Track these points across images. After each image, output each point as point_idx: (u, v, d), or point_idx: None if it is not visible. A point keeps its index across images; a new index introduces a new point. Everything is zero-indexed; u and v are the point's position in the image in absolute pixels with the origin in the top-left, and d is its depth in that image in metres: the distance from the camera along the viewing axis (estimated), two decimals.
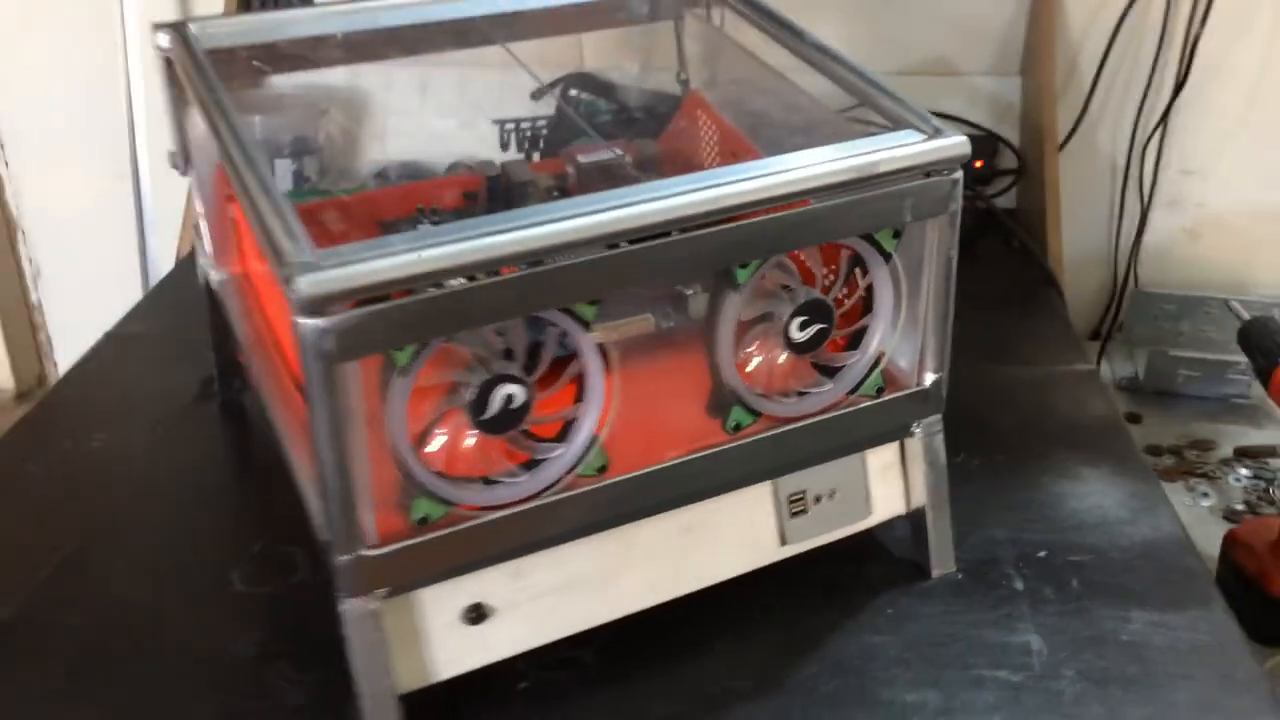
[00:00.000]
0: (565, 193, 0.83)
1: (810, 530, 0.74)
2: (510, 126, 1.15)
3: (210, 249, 0.78)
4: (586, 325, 0.60)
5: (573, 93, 1.32)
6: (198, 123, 0.75)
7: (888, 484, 0.76)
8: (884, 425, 0.73)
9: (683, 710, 0.67)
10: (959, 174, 0.67)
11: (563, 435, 0.63)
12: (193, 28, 0.72)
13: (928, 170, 0.66)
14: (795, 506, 0.73)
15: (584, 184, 0.83)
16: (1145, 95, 1.41)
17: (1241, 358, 1.30)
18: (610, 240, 0.57)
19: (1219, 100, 1.40)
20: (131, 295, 1.30)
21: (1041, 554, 0.80)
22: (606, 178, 0.83)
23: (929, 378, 0.72)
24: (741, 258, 0.63)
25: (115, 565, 0.79)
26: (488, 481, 0.62)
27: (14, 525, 0.84)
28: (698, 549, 0.70)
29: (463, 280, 0.55)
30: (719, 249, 0.62)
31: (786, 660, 0.71)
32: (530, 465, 0.63)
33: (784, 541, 0.73)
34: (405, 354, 0.56)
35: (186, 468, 0.90)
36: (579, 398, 0.63)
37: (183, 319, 1.13)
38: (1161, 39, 1.37)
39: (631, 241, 0.58)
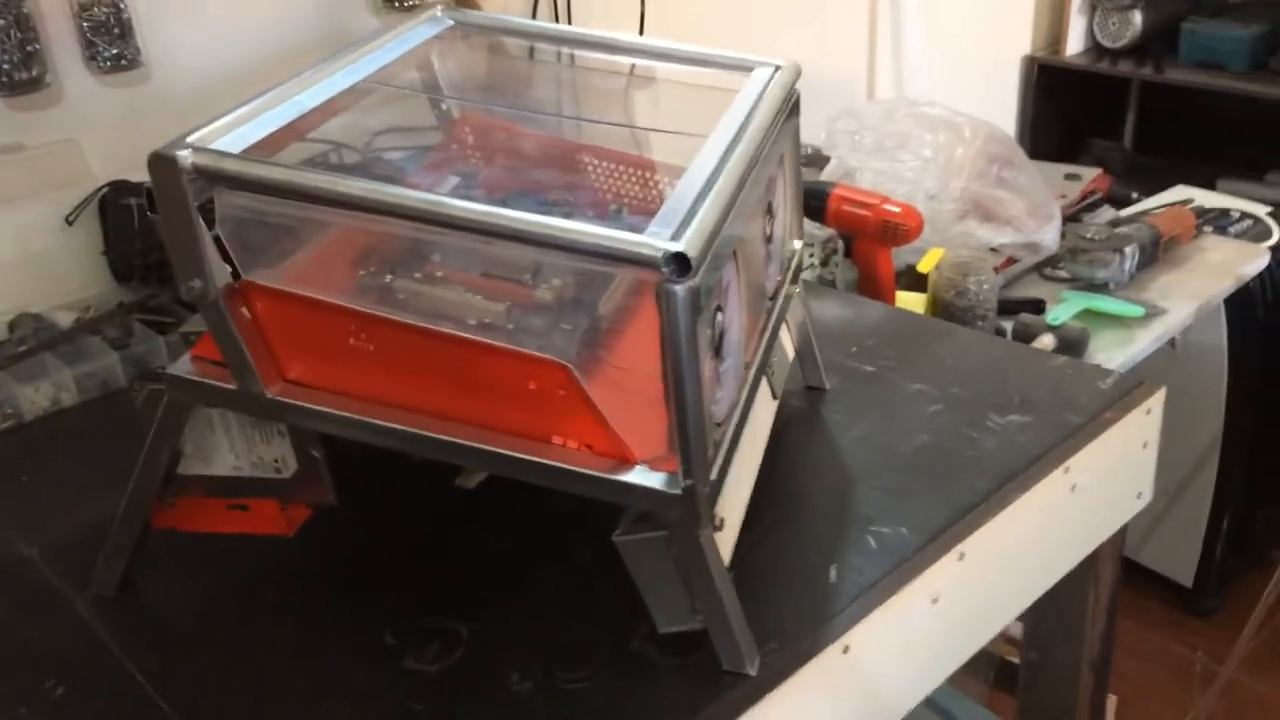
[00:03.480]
0: None
1: (779, 381, 0.96)
2: None
3: (256, 368, 0.72)
4: (734, 252, 0.77)
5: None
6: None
7: (786, 334, 1.01)
8: (788, 288, 0.98)
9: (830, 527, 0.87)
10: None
11: (718, 349, 0.78)
12: (196, 141, 0.68)
13: (792, 88, 0.91)
14: (770, 369, 0.95)
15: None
16: None
17: None
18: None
19: None
20: None
21: (853, 349, 1.11)
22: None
23: (797, 244, 0.99)
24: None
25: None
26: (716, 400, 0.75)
27: None
28: (758, 421, 0.89)
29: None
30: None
31: (829, 464, 0.94)
32: (719, 380, 0.77)
33: (775, 396, 0.95)
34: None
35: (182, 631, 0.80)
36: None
37: None
38: None
39: None
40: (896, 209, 1.34)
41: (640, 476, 0.70)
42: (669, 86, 1.03)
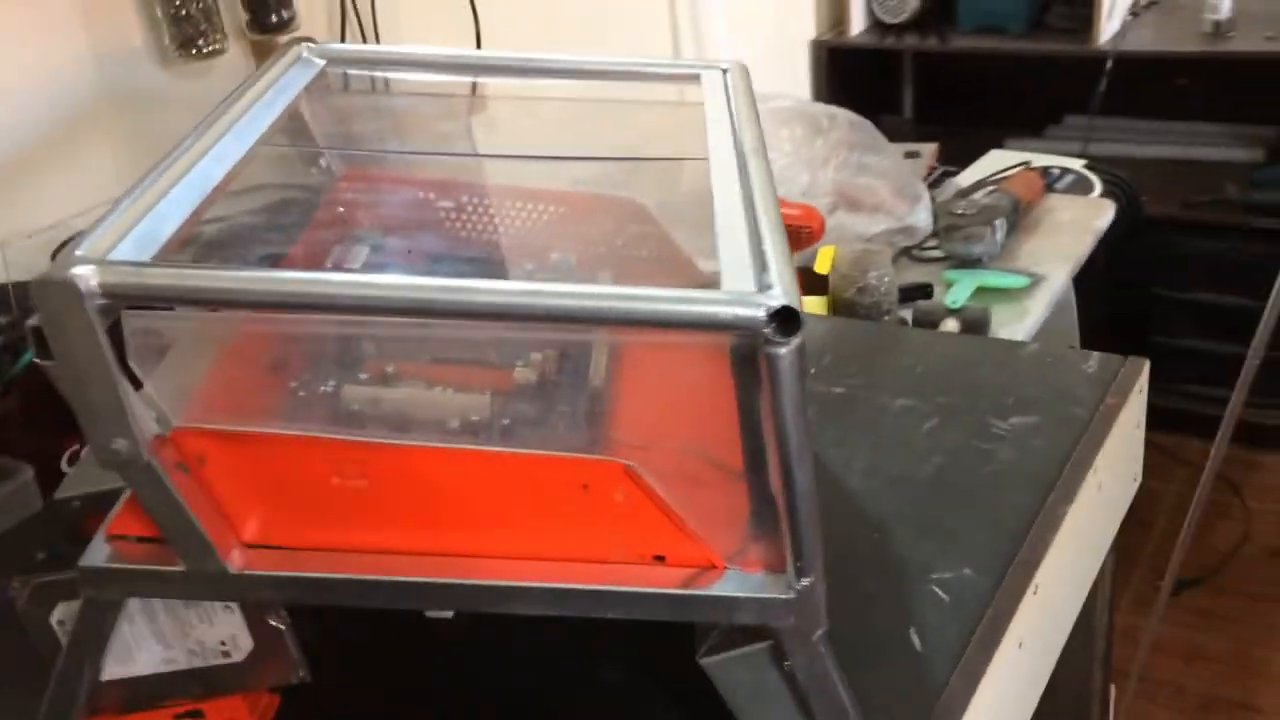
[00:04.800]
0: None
1: None
2: None
3: (211, 539, 0.54)
4: None
5: None
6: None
7: None
8: None
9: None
10: None
11: None
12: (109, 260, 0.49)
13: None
14: None
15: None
16: None
17: None
18: None
19: None
20: None
21: (810, 371, 1.01)
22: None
23: None
24: None
25: None
26: None
27: None
28: None
29: None
30: None
31: (847, 507, 0.83)
32: None
33: None
34: None
35: None
36: None
37: None
38: None
39: None
40: (795, 210, 1.24)
41: (738, 585, 0.57)
42: (569, 107, 0.89)
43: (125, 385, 0.51)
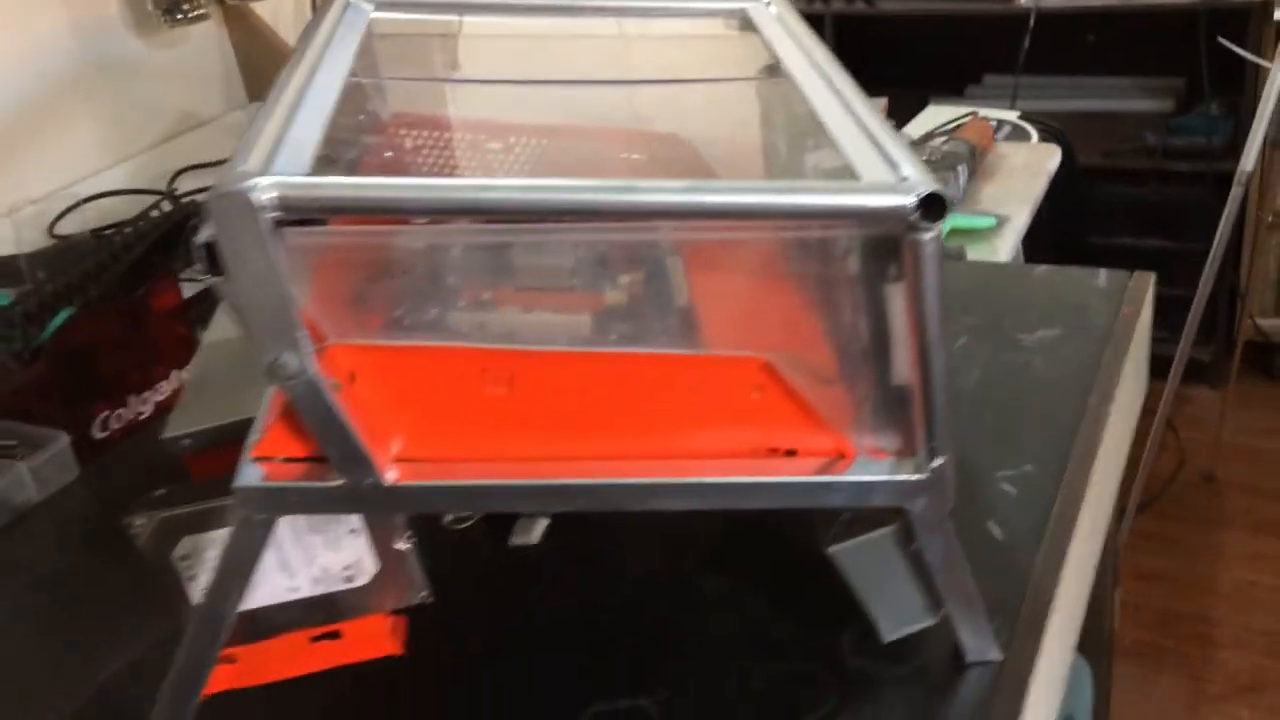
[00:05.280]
0: None
1: None
2: None
3: (370, 453, 0.54)
4: None
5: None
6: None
7: None
8: None
9: None
10: None
11: None
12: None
13: None
14: None
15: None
16: None
17: None
18: None
19: None
20: None
21: None
22: None
23: None
24: None
25: None
26: None
27: None
28: None
29: None
30: None
31: None
32: None
33: None
34: None
35: None
36: None
37: None
38: None
39: None
40: None
41: (870, 470, 0.60)
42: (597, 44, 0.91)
43: (294, 299, 0.52)
